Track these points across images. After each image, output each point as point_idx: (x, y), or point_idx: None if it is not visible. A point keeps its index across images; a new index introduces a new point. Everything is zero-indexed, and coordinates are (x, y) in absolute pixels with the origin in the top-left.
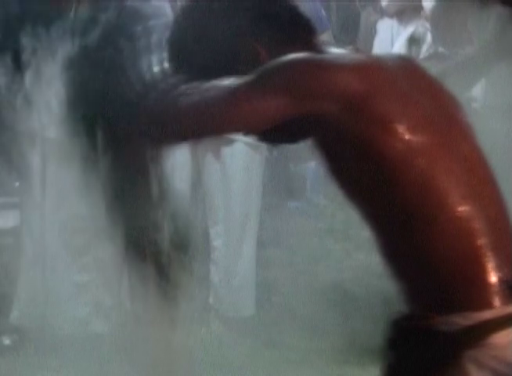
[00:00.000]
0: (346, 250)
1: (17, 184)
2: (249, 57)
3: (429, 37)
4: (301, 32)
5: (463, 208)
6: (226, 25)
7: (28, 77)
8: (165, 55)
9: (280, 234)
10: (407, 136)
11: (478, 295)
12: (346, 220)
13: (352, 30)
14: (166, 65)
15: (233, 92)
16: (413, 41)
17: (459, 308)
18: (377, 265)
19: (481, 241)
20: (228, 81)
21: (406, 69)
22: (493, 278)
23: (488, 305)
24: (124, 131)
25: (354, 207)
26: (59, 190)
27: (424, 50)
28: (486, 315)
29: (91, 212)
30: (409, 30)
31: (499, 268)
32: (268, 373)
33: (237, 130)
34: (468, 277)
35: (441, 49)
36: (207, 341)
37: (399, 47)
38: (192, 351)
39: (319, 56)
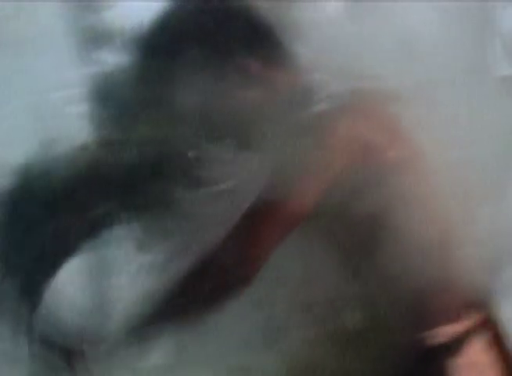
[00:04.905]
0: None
1: None
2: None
3: None
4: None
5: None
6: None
7: None
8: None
9: None
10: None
11: (454, 310)
12: None
13: None
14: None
15: None
16: None
17: (443, 322)
18: None
19: (453, 267)
20: None
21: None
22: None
23: (458, 319)
24: None
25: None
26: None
27: None
28: (459, 326)
29: None
30: None
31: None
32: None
33: None
34: (445, 299)
35: None
36: None
37: None
38: None
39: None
